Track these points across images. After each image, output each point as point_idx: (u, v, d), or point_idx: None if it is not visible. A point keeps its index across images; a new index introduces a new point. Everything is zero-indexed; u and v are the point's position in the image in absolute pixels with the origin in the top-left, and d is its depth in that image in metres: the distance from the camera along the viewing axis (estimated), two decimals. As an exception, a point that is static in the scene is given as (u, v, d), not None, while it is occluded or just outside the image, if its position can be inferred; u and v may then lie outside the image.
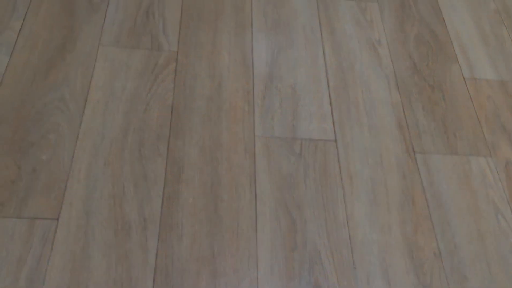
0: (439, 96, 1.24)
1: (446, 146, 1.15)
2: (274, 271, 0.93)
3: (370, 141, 1.14)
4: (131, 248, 0.92)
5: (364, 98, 1.21)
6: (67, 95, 1.11)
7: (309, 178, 1.06)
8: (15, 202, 0.94)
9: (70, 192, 0.97)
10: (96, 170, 1.01)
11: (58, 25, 1.23)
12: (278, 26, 1.33)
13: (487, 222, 1.04)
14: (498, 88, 1.28)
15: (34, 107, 1.08)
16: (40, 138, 1.04)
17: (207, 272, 0.91)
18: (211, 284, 0.90)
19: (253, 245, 0.96)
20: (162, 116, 1.11)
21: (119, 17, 1.28)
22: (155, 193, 1.00)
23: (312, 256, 0.96)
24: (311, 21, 1.36)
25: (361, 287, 0.93)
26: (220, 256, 0.94)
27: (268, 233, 0.97)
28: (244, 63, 1.24)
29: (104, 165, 1.02)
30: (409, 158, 1.12)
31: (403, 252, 0.98)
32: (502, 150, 1.16)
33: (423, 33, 1.38)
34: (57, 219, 0.94)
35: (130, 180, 1.00)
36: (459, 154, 1.14)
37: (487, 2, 1.49)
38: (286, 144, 1.11)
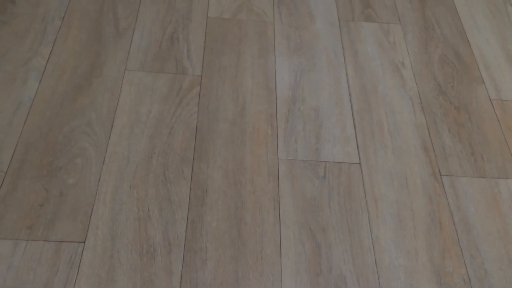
0: (465, 117, 1.23)
1: (474, 168, 1.13)
2: (299, 297, 0.92)
3: (395, 164, 1.12)
4: (156, 271, 0.92)
5: (388, 120, 1.20)
6: (94, 120, 1.13)
7: (334, 202, 1.05)
8: (42, 226, 0.96)
9: (96, 215, 0.99)
10: (122, 194, 1.02)
11: (86, 51, 1.27)
12: (301, 49, 1.34)
13: (518, 247, 1.01)
14: (526, 109, 1.26)
15: (61, 131, 1.11)
16: (68, 162, 1.06)
17: (231, 297, 0.91)
18: (235, 309, 0.89)
19: (277, 269, 0.95)
20: (186, 139, 1.12)
21: (144, 42, 1.31)
22: (179, 216, 1.00)
23: (338, 281, 0.94)
24: (334, 44, 1.36)
25: (388, 314, 0.91)
26: (244, 280, 0.93)
27: (292, 258, 0.97)
28: (267, 86, 1.25)
29: (130, 189, 1.03)
30: (435, 181, 1.10)
31: (431, 278, 0.96)
32: (532, 173, 1.13)
33: (447, 54, 1.37)
34: (84, 242, 0.95)
35: (155, 204, 1.01)
36: (487, 176, 1.12)
37: (512, 22, 1.48)
38: (310, 167, 1.10)
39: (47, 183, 1.02)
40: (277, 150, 1.13)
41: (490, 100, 1.27)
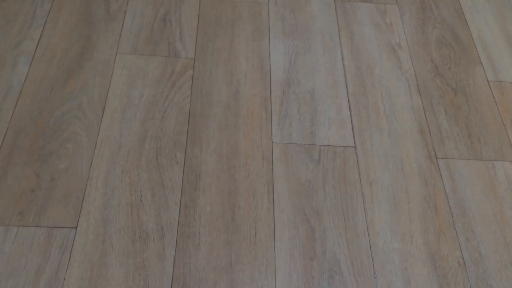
0: (462, 99, 1.21)
1: (470, 151, 1.12)
2: (292, 281, 0.91)
3: (390, 147, 1.11)
4: (148, 257, 0.92)
5: (384, 103, 1.19)
6: (85, 104, 1.12)
7: (328, 185, 1.04)
8: (34, 211, 0.95)
9: (88, 201, 0.98)
10: (114, 179, 1.01)
11: (76, 34, 1.24)
12: (296, 31, 1.32)
13: (514, 230, 1.01)
14: (524, 90, 1.24)
15: (52, 116, 1.09)
16: (59, 147, 1.04)
17: (224, 282, 0.90)
18: (228, 294, 0.89)
19: (271, 253, 0.94)
20: (179, 123, 1.11)
21: (136, 25, 1.28)
22: (172, 201, 0.99)
23: (332, 265, 0.94)
24: (329, 25, 1.34)
25: (383, 297, 0.91)
26: (238, 265, 0.92)
27: (286, 242, 0.96)
28: (261, 69, 1.23)
29: (122, 173, 1.02)
30: (431, 164, 1.09)
31: (426, 261, 0.95)
32: (529, 155, 1.12)
33: (445, 35, 1.35)
34: (75, 228, 0.94)
35: (147, 188, 1.00)
36: (483, 159, 1.11)
37: (511, 2, 1.45)
38: (304, 150, 1.09)
39: (38, 168, 1.01)
40: (271, 133, 1.11)
41: (488, 81, 1.25)
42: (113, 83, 1.16)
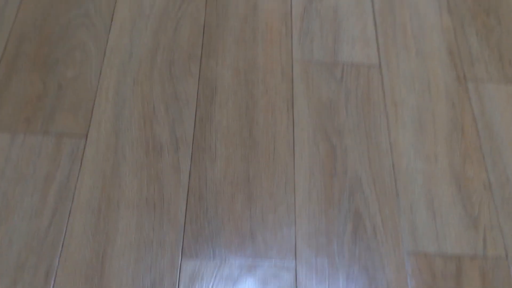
0: (494, 21, 1.14)
1: (501, 74, 1.06)
2: (312, 197, 0.88)
3: (417, 67, 1.05)
4: (163, 168, 0.87)
5: (412, 22, 1.11)
6: (92, 11, 1.04)
7: (351, 105, 0.99)
8: (41, 118, 0.90)
9: (98, 110, 0.92)
10: (125, 89, 0.95)
11: None
12: None
13: (542, 155, 0.97)
14: (559, 15, 1.17)
15: (57, 23, 1.02)
16: (65, 55, 0.98)
17: (242, 195, 0.86)
18: (246, 207, 0.85)
19: (290, 170, 0.90)
20: (193, 35, 1.04)
21: None
22: (187, 114, 0.94)
23: (353, 183, 0.90)
24: None
25: (404, 216, 0.88)
26: (256, 180, 0.88)
27: (306, 159, 0.92)
28: (281, -17, 1.14)
29: (133, 84, 0.96)
30: (459, 86, 1.03)
31: (450, 183, 0.92)
32: (561, 81, 1.06)
33: (478, -47, 1.25)
34: (86, 137, 0.89)
35: (160, 100, 0.95)
36: (514, 83, 1.05)
37: None
38: (326, 68, 1.03)
39: (44, 76, 0.95)
40: (292, 50, 1.05)
41: (522, 3, 1.18)
42: (123, -10, 1.08)
